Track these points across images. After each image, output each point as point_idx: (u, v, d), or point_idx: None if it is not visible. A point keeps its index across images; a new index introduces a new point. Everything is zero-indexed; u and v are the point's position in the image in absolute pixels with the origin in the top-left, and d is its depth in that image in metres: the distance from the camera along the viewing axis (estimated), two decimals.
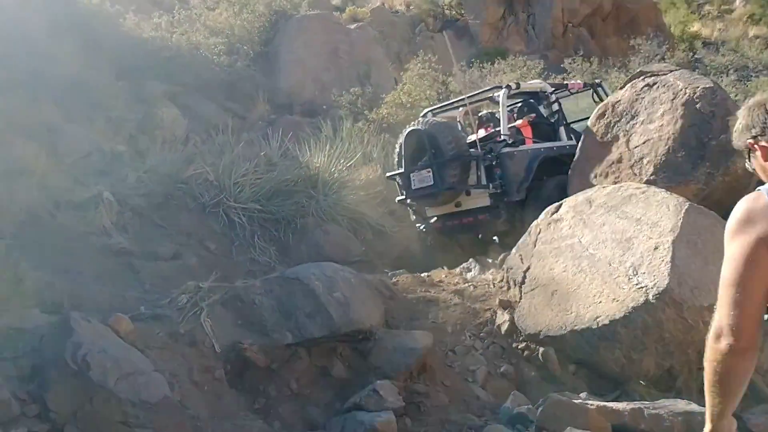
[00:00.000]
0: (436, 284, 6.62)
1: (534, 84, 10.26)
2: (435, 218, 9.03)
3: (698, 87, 6.16)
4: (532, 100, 9.65)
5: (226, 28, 14.79)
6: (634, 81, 6.79)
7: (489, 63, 14.28)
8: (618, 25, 19.01)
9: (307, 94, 16.85)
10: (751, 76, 13.64)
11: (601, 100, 8.29)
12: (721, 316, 1.81)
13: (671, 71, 6.64)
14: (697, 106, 6.09)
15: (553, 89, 9.70)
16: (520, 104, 9.60)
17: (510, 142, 8.58)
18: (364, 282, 5.80)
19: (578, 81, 11.25)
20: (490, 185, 8.24)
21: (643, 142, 6.36)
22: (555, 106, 9.48)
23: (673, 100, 6.25)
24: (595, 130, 6.83)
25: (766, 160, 1.92)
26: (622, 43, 16.83)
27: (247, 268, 7.41)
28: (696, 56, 16.21)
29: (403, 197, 9.11)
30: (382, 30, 20.44)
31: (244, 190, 8.34)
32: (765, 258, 1.75)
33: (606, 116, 6.77)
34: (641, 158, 6.34)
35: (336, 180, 9.69)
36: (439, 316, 5.85)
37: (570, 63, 15.03)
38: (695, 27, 23.13)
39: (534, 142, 8.72)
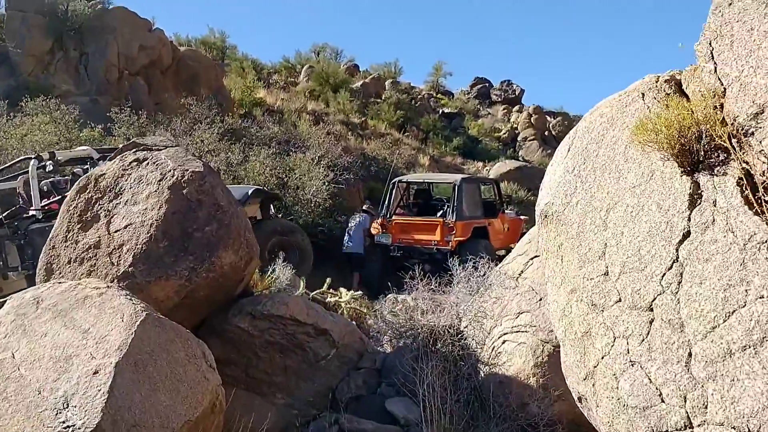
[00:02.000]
0: None
1: (79, 151, 9.24)
2: None
3: (188, 170, 5.48)
4: (86, 167, 8.63)
5: None
6: (125, 153, 5.87)
7: (6, 102, 12.21)
8: (178, 80, 18.39)
9: None
10: (292, 150, 14.10)
11: None
12: None
13: (166, 147, 5.89)
14: (185, 191, 5.40)
15: (102, 155, 8.73)
16: (71, 174, 8.81)
17: (40, 217, 7.70)
18: None
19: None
20: (20, 267, 7.41)
21: (125, 227, 5.42)
22: None
23: (160, 181, 5.46)
24: (74, 206, 5.69)
25: None
26: (178, 100, 16.18)
27: None
28: (244, 125, 16.27)
29: None
30: None
31: None
32: None
33: (88, 191, 5.69)
34: (121, 245, 5.38)
35: None
36: None
37: (116, 113, 13.78)
38: (261, 94, 23.92)
39: None
